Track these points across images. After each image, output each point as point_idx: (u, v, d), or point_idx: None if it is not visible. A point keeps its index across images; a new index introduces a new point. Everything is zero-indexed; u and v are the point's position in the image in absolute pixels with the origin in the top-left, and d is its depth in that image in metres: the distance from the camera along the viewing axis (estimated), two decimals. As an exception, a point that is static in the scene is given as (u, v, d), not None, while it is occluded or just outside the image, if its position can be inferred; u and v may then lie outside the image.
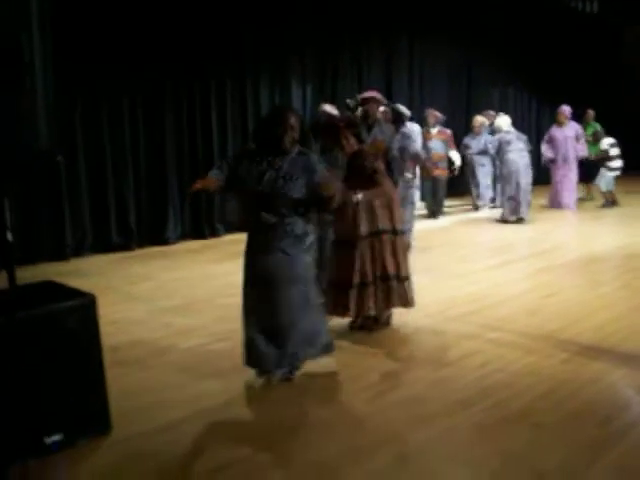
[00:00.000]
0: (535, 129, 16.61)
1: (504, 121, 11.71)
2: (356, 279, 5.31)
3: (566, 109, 12.57)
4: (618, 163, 12.54)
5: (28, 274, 4.80)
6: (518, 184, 11.16)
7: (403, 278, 5.47)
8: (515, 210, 11.25)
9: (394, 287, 5.41)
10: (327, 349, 4.58)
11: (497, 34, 14.92)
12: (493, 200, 13.05)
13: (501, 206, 11.80)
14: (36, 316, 3.54)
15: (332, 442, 3.76)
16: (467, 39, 14.47)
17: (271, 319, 4.34)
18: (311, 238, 4.46)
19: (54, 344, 3.59)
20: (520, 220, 11.19)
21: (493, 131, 12.51)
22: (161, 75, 9.76)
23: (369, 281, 5.34)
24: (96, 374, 3.78)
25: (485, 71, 15.57)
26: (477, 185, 12.82)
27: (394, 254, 5.43)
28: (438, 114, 11.53)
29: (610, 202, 12.67)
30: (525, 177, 11.25)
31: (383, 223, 5.40)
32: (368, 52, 13.22)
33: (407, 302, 5.51)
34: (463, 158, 12.42)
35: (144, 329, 5.90)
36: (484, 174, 12.74)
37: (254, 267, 4.40)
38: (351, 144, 5.44)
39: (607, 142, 12.52)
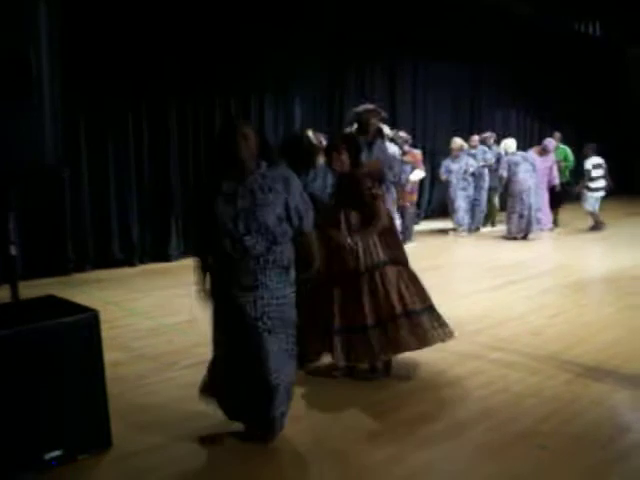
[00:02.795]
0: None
1: (511, 143, 11.98)
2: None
3: (552, 143, 12.63)
4: (600, 184, 12.45)
5: (29, 289, 4.80)
6: (528, 203, 11.56)
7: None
8: (522, 228, 11.64)
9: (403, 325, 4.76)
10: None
11: (500, 57, 15.00)
12: (470, 225, 12.69)
13: (508, 223, 11.94)
14: (38, 331, 3.53)
15: (336, 462, 3.73)
16: (470, 62, 14.54)
17: (255, 376, 3.69)
18: (293, 271, 3.83)
19: (56, 359, 3.58)
20: (525, 237, 11.60)
21: (474, 155, 12.48)
22: (166, 92, 9.81)
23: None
24: (98, 390, 3.77)
25: (488, 93, 15.65)
26: (456, 210, 12.44)
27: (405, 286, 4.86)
28: (403, 134, 11.07)
29: (596, 224, 12.59)
30: (534, 197, 11.62)
31: (381, 255, 4.81)
32: (372, 75, 13.30)
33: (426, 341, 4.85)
34: (438, 180, 12.68)
35: (145, 345, 5.89)
36: (463, 198, 12.36)
37: (228, 309, 3.71)
38: (342, 160, 4.84)
39: (591, 162, 12.43)
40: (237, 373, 3.75)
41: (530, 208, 11.58)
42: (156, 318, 6.79)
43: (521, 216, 11.63)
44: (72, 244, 9.07)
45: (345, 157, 4.83)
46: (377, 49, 12.90)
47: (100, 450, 3.79)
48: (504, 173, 11.89)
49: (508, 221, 11.91)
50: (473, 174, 12.34)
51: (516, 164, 11.69)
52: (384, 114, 6.82)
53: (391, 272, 4.79)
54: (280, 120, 11.38)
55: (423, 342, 4.79)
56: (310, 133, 8.06)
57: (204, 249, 3.86)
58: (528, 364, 5.22)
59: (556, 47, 16.19)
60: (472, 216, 12.72)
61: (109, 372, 3.89)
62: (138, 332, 6.30)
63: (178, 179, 10.12)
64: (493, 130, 13.81)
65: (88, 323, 3.70)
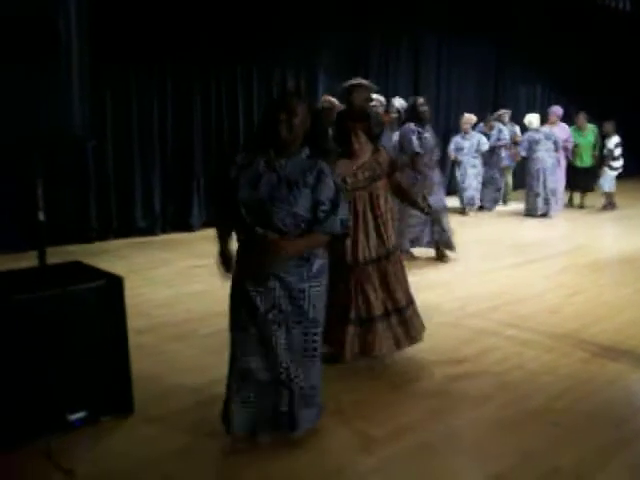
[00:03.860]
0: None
1: (534, 118, 11.81)
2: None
3: (558, 110, 12.22)
4: (620, 163, 12.45)
5: (53, 255, 4.86)
6: (545, 182, 11.58)
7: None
8: (540, 206, 11.66)
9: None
10: (320, 412, 3.67)
11: (526, 31, 14.81)
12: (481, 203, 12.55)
13: (526, 201, 11.93)
14: (65, 295, 3.61)
15: (350, 430, 3.80)
16: (496, 36, 14.40)
17: (265, 372, 3.39)
18: (320, 262, 3.41)
19: (81, 323, 3.66)
20: (544, 215, 11.62)
21: (485, 133, 12.26)
22: (189, 63, 9.85)
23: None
24: (121, 355, 3.85)
25: (513, 69, 15.50)
26: (465, 189, 12.11)
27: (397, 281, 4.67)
28: None
29: (610, 204, 12.61)
30: (551, 175, 11.62)
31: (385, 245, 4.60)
32: (396, 48, 13.24)
33: (414, 337, 4.77)
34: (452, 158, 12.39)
35: (165, 313, 5.99)
36: (474, 176, 12.02)
37: (243, 301, 3.38)
38: (362, 144, 4.55)
39: (613, 142, 12.39)
40: (251, 373, 3.41)
41: (546, 187, 11.59)
42: (176, 287, 6.88)
43: (537, 195, 11.65)
44: (96, 213, 9.19)
45: (364, 140, 4.55)
46: (401, 24, 12.80)
47: (122, 414, 3.88)
48: (522, 152, 11.82)
49: (527, 199, 11.90)
50: (483, 153, 12.03)
51: (536, 142, 11.62)
52: (374, 89, 6.23)
53: (390, 264, 4.62)
54: (302, 94, 11.35)
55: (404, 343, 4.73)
56: (330, 98, 7.98)
57: (224, 220, 3.55)
58: (544, 342, 5.24)
59: (583, 22, 15.93)
60: (485, 194, 12.51)
61: (130, 339, 3.95)
62: (158, 300, 6.40)
63: (201, 150, 10.20)
64: (516, 107, 13.69)
65: (113, 289, 3.78)
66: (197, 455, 3.54)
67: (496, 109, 13.55)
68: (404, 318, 4.67)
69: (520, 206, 12.44)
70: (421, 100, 8.09)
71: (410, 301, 4.75)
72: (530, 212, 11.74)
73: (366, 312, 4.54)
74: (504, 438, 3.72)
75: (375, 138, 4.65)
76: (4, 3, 3.12)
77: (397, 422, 3.90)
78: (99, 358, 3.75)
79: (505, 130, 12.53)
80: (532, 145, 11.64)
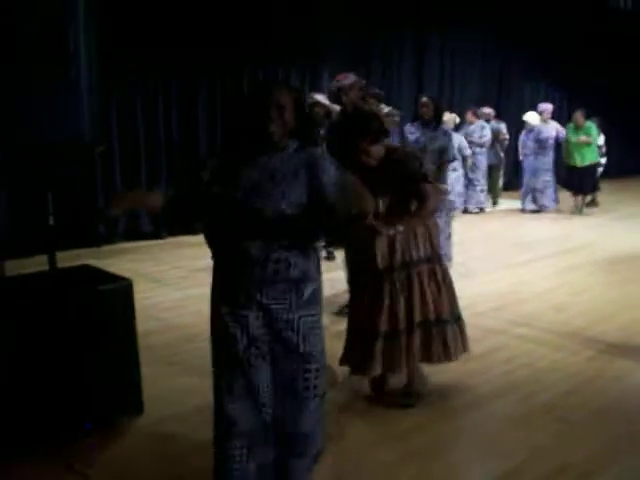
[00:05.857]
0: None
1: (531, 117, 11.90)
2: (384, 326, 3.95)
3: (548, 107, 11.95)
4: (604, 160, 12.78)
5: (61, 259, 4.86)
6: (554, 178, 11.99)
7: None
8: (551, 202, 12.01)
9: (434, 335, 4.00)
10: (318, 457, 2.97)
11: (530, 29, 14.79)
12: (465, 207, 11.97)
13: (538, 197, 12.07)
14: (74, 299, 3.64)
15: (357, 429, 3.82)
16: (500, 34, 14.38)
17: (256, 424, 2.77)
18: (312, 287, 2.76)
19: (92, 327, 3.68)
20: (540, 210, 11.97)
21: (470, 132, 11.82)
22: (195, 64, 9.87)
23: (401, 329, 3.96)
24: (131, 357, 3.88)
25: (517, 66, 15.50)
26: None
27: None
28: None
29: (594, 201, 12.69)
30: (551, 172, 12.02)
31: (421, 249, 3.99)
32: (400, 46, 13.24)
33: (451, 354, 4.07)
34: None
35: (174, 315, 6.02)
36: (455, 180, 10.63)
37: (227, 335, 2.72)
38: (378, 151, 3.85)
39: (602, 139, 12.53)
40: (237, 423, 2.77)
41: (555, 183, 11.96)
42: (184, 289, 6.91)
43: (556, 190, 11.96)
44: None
45: (379, 147, 3.85)
46: (405, 20, 12.81)
47: (132, 416, 3.91)
48: (528, 150, 11.91)
49: (538, 196, 11.99)
50: (464, 157, 11.25)
51: (543, 140, 11.78)
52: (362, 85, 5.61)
53: (425, 272, 3.99)
54: (307, 89, 11.34)
55: (444, 356, 4.06)
56: (319, 96, 7.62)
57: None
58: (552, 340, 5.26)
59: (587, 21, 15.91)
60: (468, 197, 11.95)
61: (139, 341, 3.98)
62: (166, 303, 6.43)
63: (207, 154, 10.22)
64: (520, 104, 13.66)
65: (123, 292, 3.81)
66: (209, 455, 3.56)
67: (500, 106, 13.53)
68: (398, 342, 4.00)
69: (512, 205, 12.63)
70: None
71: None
72: (543, 208, 11.93)
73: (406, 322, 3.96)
74: (513, 435, 3.74)
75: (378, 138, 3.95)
76: (14, 13, 3.14)
77: (406, 421, 3.92)
78: (109, 360, 3.77)
79: (487, 128, 12.04)
80: (540, 143, 11.75)
